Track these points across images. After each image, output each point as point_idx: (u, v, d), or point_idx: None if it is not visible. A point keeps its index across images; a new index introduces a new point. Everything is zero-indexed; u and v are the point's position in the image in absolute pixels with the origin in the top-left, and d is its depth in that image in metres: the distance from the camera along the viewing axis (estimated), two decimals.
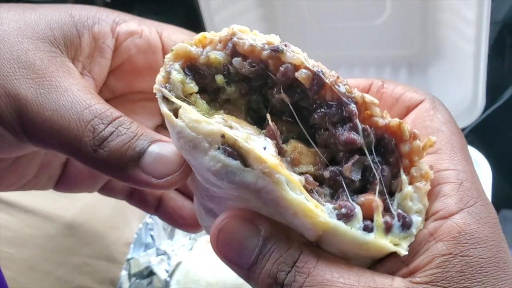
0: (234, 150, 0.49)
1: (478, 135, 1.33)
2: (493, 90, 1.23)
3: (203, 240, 1.20)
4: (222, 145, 0.49)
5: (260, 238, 0.51)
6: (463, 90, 1.19)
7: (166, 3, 1.45)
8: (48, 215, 1.12)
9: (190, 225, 0.78)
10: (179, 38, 0.71)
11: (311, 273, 0.49)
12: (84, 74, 0.68)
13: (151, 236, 1.19)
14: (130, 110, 0.76)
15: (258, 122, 0.56)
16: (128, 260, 1.13)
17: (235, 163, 0.49)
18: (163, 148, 0.58)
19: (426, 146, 0.52)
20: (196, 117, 0.50)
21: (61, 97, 0.59)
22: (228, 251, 0.52)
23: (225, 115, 0.53)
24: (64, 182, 0.78)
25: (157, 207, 0.78)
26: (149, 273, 1.15)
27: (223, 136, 0.49)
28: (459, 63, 1.19)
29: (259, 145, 0.50)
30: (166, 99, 0.53)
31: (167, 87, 0.53)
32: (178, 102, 0.52)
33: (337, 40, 1.29)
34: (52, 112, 0.58)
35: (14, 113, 0.59)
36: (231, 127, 0.51)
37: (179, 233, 1.22)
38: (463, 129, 1.26)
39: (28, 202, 1.13)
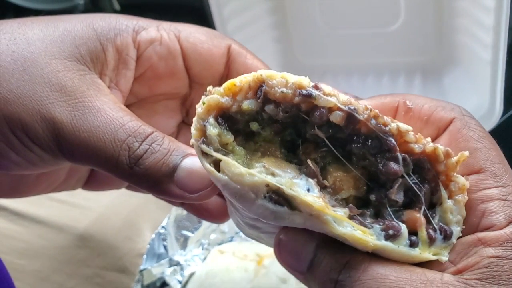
0: (280, 197, 0.51)
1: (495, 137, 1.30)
2: (510, 97, 1.20)
3: (216, 251, 1.19)
4: (267, 193, 0.51)
5: (314, 243, 0.54)
6: (480, 97, 1.17)
7: (177, 11, 1.44)
8: (59, 226, 1.12)
9: (216, 217, 0.80)
10: (197, 40, 0.73)
11: (365, 268, 0.52)
12: (112, 87, 0.69)
13: (164, 246, 1.17)
14: (153, 110, 0.79)
15: (292, 150, 0.57)
16: (141, 271, 1.12)
17: (283, 209, 0.51)
18: (194, 163, 0.60)
19: (459, 161, 0.55)
20: (239, 171, 0.51)
21: (95, 118, 0.61)
22: (287, 258, 0.56)
23: (264, 161, 0.54)
24: (92, 183, 0.82)
25: None
26: (162, 284, 1.14)
27: (267, 185, 0.51)
28: (476, 70, 1.18)
29: (302, 188, 0.52)
30: (204, 153, 0.54)
31: (204, 141, 0.54)
32: (218, 156, 0.53)
33: (350, 47, 1.28)
34: (88, 134, 0.60)
35: (51, 136, 0.61)
36: (273, 174, 0.52)
37: (192, 243, 1.21)
38: None
39: (40, 213, 1.13)
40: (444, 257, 0.53)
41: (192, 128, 0.55)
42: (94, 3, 1.46)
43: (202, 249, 1.21)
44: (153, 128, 0.63)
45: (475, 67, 1.17)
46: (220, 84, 0.55)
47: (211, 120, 0.54)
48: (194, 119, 0.55)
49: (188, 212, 0.83)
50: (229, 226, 1.25)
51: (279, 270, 1.11)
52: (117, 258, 1.13)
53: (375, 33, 1.26)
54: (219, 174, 0.52)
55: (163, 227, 1.17)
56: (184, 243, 1.21)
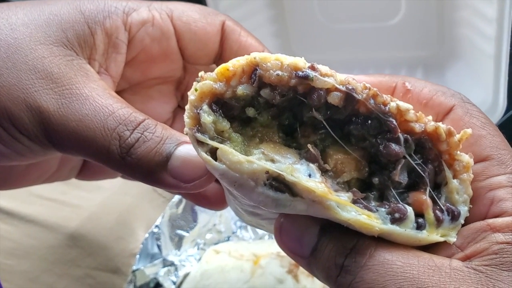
0: (281, 183, 0.50)
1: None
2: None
3: (211, 250, 1.16)
4: (267, 180, 0.50)
5: (318, 227, 0.53)
6: (483, 92, 1.15)
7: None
8: (50, 225, 1.10)
9: (215, 204, 0.79)
10: (190, 18, 0.70)
11: (372, 254, 0.51)
12: (101, 73, 0.67)
13: (158, 246, 1.15)
14: (147, 95, 0.77)
15: (290, 133, 0.56)
16: (133, 271, 1.10)
17: (284, 196, 0.50)
18: (189, 151, 0.59)
19: (462, 139, 0.53)
20: (237, 159, 0.50)
21: (83, 106, 0.59)
22: (290, 242, 0.55)
23: (262, 147, 0.53)
24: (86, 172, 0.80)
25: None
26: (156, 285, 1.11)
27: (267, 172, 0.50)
28: (479, 64, 1.15)
29: (303, 173, 0.51)
30: (199, 141, 0.52)
31: (199, 130, 0.52)
32: (214, 144, 0.52)
33: (350, 41, 1.25)
34: (76, 123, 0.58)
35: (39, 126, 0.58)
36: (272, 160, 0.51)
37: (187, 243, 1.19)
38: None
39: (30, 212, 1.11)
40: (452, 238, 0.53)
41: (185, 117, 0.53)
42: None
43: (198, 249, 1.19)
44: (145, 115, 0.61)
45: (478, 61, 1.15)
46: (216, 64, 0.53)
47: (205, 107, 0.52)
48: (187, 107, 0.53)
49: (185, 199, 0.81)
50: (225, 225, 1.22)
51: (276, 270, 1.08)
52: (109, 258, 1.10)
53: (375, 27, 1.24)
54: (216, 163, 0.51)
55: (156, 226, 1.15)
56: (178, 242, 1.19)
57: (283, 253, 0.58)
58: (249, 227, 1.22)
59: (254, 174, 0.50)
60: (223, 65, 0.53)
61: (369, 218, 0.50)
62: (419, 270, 0.49)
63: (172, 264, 1.15)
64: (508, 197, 0.53)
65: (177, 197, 1.18)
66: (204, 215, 1.20)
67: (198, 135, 0.52)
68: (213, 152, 0.52)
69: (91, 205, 1.14)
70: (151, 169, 0.58)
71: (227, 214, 1.21)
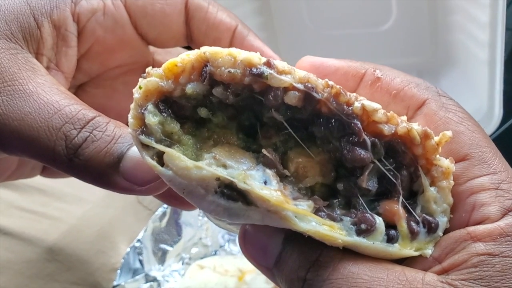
0: (233, 191, 0.46)
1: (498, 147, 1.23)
2: (510, 99, 1.13)
3: (196, 265, 1.13)
4: (219, 187, 0.46)
5: (282, 236, 0.50)
6: (478, 100, 1.11)
7: None
8: (28, 238, 1.07)
9: (186, 204, 0.72)
10: (146, 2, 0.65)
11: (335, 266, 0.47)
12: (51, 68, 0.63)
13: (140, 261, 1.12)
14: (112, 89, 0.72)
15: (251, 134, 0.52)
16: (114, 287, 1.07)
17: (236, 205, 0.46)
18: None
19: (441, 142, 0.48)
20: (184, 164, 0.46)
21: (26, 104, 0.54)
22: (254, 251, 0.51)
23: (215, 150, 0.49)
24: (50, 169, 0.75)
25: None
26: None
27: (218, 179, 0.46)
28: (473, 70, 1.12)
29: (258, 180, 0.47)
30: (145, 145, 0.48)
31: (144, 131, 0.48)
32: (160, 147, 0.47)
33: (340, 48, 1.22)
34: (18, 122, 0.54)
35: None
36: (224, 166, 0.47)
37: (170, 258, 1.15)
38: None
39: (7, 224, 1.08)
40: (428, 251, 0.48)
41: (129, 117, 0.48)
42: None
43: (183, 263, 1.16)
44: (97, 112, 0.56)
45: (472, 67, 1.11)
46: (191, 47, 0.48)
47: (150, 107, 0.48)
48: (132, 106, 0.48)
49: (159, 200, 0.75)
50: (212, 239, 1.19)
51: (261, 286, 1.05)
52: (88, 273, 1.07)
53: (366, 33, 1.21)
54: (162, 169, 0.47)
55: (138, 240, 1.12)
56: (162, 257, 1.16)
57: None
58: (237, 241, 1.19)
59: (204, 181, 0.46)
60: (170, 61, 0.49)
61: (331, 229, 0.46)
62: (387, 285, 0.45)
63: (155, 279, 1.12)
64: (491, 201, 0.47)
65: (160, 210, 1.15)
66: (189, 229, 1.17)
67: (142, 137, 0.47)
68: (161, 156, 0.47)
69: (72, 218, 1.10)
70: (101, 172, 0.54)
71: (214, 228, 1.18)
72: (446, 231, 0.49)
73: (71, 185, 1.14)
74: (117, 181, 0.54)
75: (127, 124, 0.57)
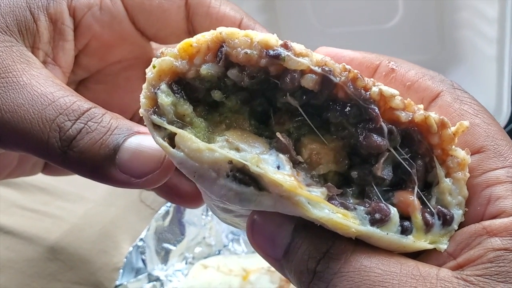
0: (245, 175, 0.45)
1: None
2: None
3: (199, 265, 1.11)
4: (231, 171, 0.45)
5: (292, 226, 0.48)
6: (486, 97, 1.10)
7: None
8: (29, 237, 1.06)
9: (189, 202, 0.73)
10: None
11: (347, 259, 0.45)
12: (48, 63, 0.62)
13: (143, 260, 1.11)
14: (113, 84, 0.71)
15: (262, 120, 0.51)
16: (116, 286, 1.05)
17: (249, 190, 0.45)
18: (141, 142, 0.53)
19: (458, 132, 0.47)
20: (196, 146, 0.45)
21: (19, 95, 0.53)
22: (262, 241, 0.50)
23: (228, 134, 0.48)
24: (51, 166, 0.74)
25: None
26: None
27: (230, 162, 0.44)
28: (481, 67, 1.11)
29: (271, 165, 0.46)
30: (157, 125, 0.47)
31: (156, 111, 0.47)
32: (172, 129, 0.46)
33: (345, 46, 1.19)
34: (11, 115, 0.52)
35: None
36: (237, 149, 0.46)
37: (174, 257, 1.14)
38: None
39: (9, 223, 1.07)
40: (443, 245, 0.47)
41: (141, 96, 0.47)
42: None
43: (186, 263, 1.14)
44: (92, 103, 0.55)
45: (480, 64, 1.10)
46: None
47: (163, 86, 0.47)
48: (144, 86, 0.47)
49: (160, 197, 0.75)
50: (216, 238, 1.17)
51: (265, 286, 1.03)
52: (90, 272, 1.06)
53: (371, 31, 1.20)
54: (173, 150, 0.46)
55: (141, 239, 1.10)
56: (165, 256, 1.14)
57: (273, 268, 0.53)
58: (241, 240, 1.18)
59: (216, 163, 0.44)
60: (186, 40, 0.48)
61: (344, 218, 0.45)
62: (401, 280, 0.43)
63: (157, 279, 1.10)
64: (508, 194, 0.46)
65: (163, 209, 1.14)
66: (193, 228, 1.16)
67: (154, 117, 0.46)
68: (172, 138, 0.46)
69: (74, 217, 1.09)
70: (96, 164, 0.52)
71: (218, 227, 1.17)
72: (461, 225, 0.48)
73: (73, 183, 1.13)
74: (113, 174, 0.53)
75: (130, 119, 0.56)
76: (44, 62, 0.60)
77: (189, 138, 0.45)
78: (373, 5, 1.17)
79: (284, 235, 0.48)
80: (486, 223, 0.46)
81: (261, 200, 0.45)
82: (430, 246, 0.47)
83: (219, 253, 1.17)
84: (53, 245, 1.05)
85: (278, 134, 0.48)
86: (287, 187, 0.44)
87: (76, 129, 0.52)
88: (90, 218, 1.11)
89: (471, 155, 0.48)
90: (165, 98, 0.47)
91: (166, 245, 1.13)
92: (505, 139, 0.49)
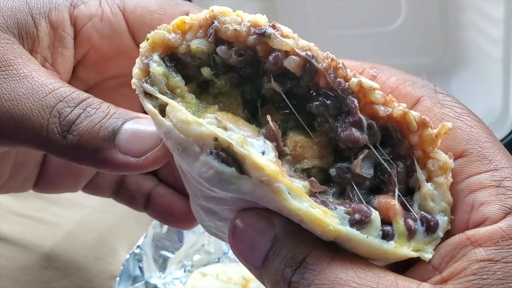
0: (229, 155, 0.45)
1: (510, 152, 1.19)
2: None
3: (198, 273, 1.09)
4: (215, 149, 0.45)
5: (273, 233, 0.47)
6: (492, 100, 1.09)
7: None
8: (24, 244, 1.04)
9: (182, 222, 0.74)
10: (145, 11, 0.65)
11: (322, 271, 0.44)
12: (47, 68, 0.62)
13: (140, 268, 1.09)
14: (110, 100, 0.71)
15: (254, 113, 0.52)
16: None
17: (230, 170, 0.44)
18: (139, 124, 0.54)
19: (440, 133, 0.46)
20: (184, 117, 0.45)
21: (20, 85, 0.55)
22: (242, 247, 0.49)
23: (218, 113, 0.49)
24: (43, 182, 0.74)
25: (145, 205, 0.75)
26: None
27: (216, 139, 0.44)
28: (486, 69, 1.10)
29: (257, 149, 0.46)
30: (148, 94, 0.48)
31: (148, 81, 0.49)
32: (163, 98, 0.48)
33: (347, 48, 1.20)
34: (11, 102, 0.54)
35: None
36: (225, 128, 0.47)
37: (171, 265, 1.12)
38: None
39: (4, 230, 1.05)
40: (428, 254, 0.45)
41: (134, 68, 0.49)
42: None
43: (184, 271, 1.12)
44: (89, 94, 0.56)
45: (485, 66, 1.09)
46: None
47: (155, 57, 0.49)
48: (137, 59, 0.49)
49: (152, 217, 0.76)
50: (215, 246, 1.15)
51: None
52: (86, 280, 1.04)
53: (374, 33, 1.19)
54: (162, 119, 0.46)
55: (138, 246, 1.08)
56: (163, 264, 1.12)
57: None
58: None
59: (201, 138, 0.44)
60: (180, 17, 0.50)
61: (324, 214, 0.44)
62: None
63: (155, 287, 1.08)
64: (491, 199, 0.44)
65: None
66: (191, 235, 1.14)
67: (146, 85, 0.48)
68: (162, 111, 0.47)
69: (69, 223, 1.08)
70: (96, 146, 0.53)
71: None
72: (448, 234, 0.46)
73: None
74: (113, 155, 0.54)
75: None
76: (43, 66, 0.61)
77: (179, 109, 0.46)
78: (375, 7, 1.16)
79: (263, 242, 0.47)
80: (470, 232, 0.45)
81: (240, 184, 0.44)
82: (414, 254, 0.45)
83: (218, 261, 1.15)
84: (48, 252, 1.03)
85: (268, 118, 0.48)
86: (268, 172, 0.43)
87: (75, 114, 0.54)
88: (86, 225, 1.09)
89: (454, 159, 0.47)
90: (157, 67, 0.48)
91: (164, 252, 1.11)
92: (490, 141, 0.47)
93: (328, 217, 0.44)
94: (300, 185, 0.45)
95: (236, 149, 0.44)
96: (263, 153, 0.45)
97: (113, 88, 0.71)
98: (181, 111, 0.46)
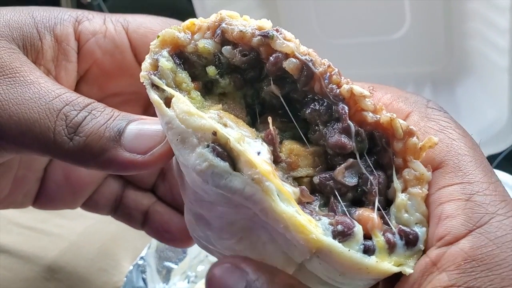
0: (225, 151, 0.46)
1: None
2: None
3: (202, 284, 1.08)
4: (212, 143, 0.46)
5: (245, 281, 0.47)
6: (497, 110, 1.08)
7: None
8: (26, 256, 1.03)
9: (179, 240, 0.75)
10: (148, 31, 0.67)
11: None
12: None
13: (143, 279, 1.07)
14: None
15: (254, 122, 0.54)
16: None
17: (223, 165, 0.45)
18: (143, 124, 0.56)
19: (425, 146, 0.46)
20: (187, 108, 0.47)
21: (27, 90, 0.56)
22: None
23: (221, 111, 0.51)
24: (42, 199, 0.74)
25: (143, 222, 0.76)
26: None
27: (214, 133, 0.46)
28: (492, 78, 1.09)
29: (253, 148, 0.47)
30: (155, 87, 0.51)
31: (156, 75, 0.51)
32: (170, 90, 0.50)
33: (351, 57, 1.19)
34: (18, 107, 0.55)
35: None
36: (225, 125, 0.48)
37: (175, 276, 1.10)
38: (496, 156, 1.12)
39: (6, 242, 1.04)
40: (409, 269, 0.44)
41: (143, 63, 0.52)
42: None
43: (188, 282, 1.11)
44: (93, 100, 0.58)
45: (490, 75, 1.08)
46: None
47: (164, 52, 0.52)
48: (147, 56, 0.52)
49: (150, 235, 0.76)
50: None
51: None
52: None
53: (378, 41, 1.19)
54: (165, 108, 0.49)
55: (142, 258, 1.07)
56: (166, 275, 1.11)
57: None
58: None
59: (200, 130, 0.46)
60: (190, 20, 0.53)
61: (308, 222, 0.44)
62: None
63: None
64: (457, 213, 0.43)
65: None
66: (195, 245, 1.12)
67: (154, 77, 0.50)
68: (167, 104, 0.49)
69: (72, 234, 1.06)
70: (102, 146, 0.55)
71: None
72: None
73: None
74: (119, 155, 0.55)
75: None
76: None
77: (184, 101, 0.48)
78: (379, 16, 1.15)
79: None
80: (434, 254, 0.44)
81: (231, 180, 0.45)
82: (395, 269, 0.44)
83: None
84: (50, 264, 1.02)
85: (269, 119, 0.49)
86: (261, 170, 0.44)
87: (81, 117, 0.55)
88: (89, 236, 1.08)
89: (432, 171, 0.47)
90: (166, 62, 0.51)
91: (167, 263, 1.10)
92: (470, 155, 0.46)
93: (313, 225, 0.44)
94: (290, 190, 0.46)
95: (233, 145, 0.45)
96: (258, 153, 0.47)
97: (114, 106, 0.71)
98: (185, 103, 0.48)
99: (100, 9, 1.44)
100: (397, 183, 0.47)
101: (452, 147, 0.47)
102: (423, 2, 1.12)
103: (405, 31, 1.17)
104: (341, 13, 1.17)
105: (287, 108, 0.51)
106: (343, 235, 0.44)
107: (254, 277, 0.47)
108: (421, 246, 0.46)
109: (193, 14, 1.26)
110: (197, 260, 1.13)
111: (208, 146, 0.46)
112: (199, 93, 0.52)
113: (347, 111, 0.47)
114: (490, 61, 1.08)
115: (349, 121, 0.47)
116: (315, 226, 0.44)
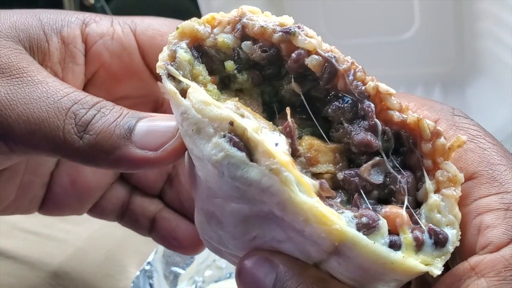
0: (242, 141, 0.45)
1: None
2: None
3: None
4: (229, 133, 0.45)
5: (275, 275, 0.48)
6: (508, 111, 1.07)
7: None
8: (32, 262, 1.02)
9: (187, 247, 0.75)
10: (156, 33, 0.66)
11: None
12: None
13: (150, 285, 1.06)
14: None
15: (271, 118, 0.53)
16: None
17: (240, 155, 0.44)
18: (154, 121, 0.55)
19: (454, 146, 0.46)
20: (204, 98, 0.47)
21: (35, 90, 0.56)
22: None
23: (239, 102, 0.50)
24: (49, 204, 0.74)
25: (150, 229, 0.76)
26: None
27: (231, 123, 0.45)
28: (503, 79, 1.08)
29: (271, 140, 0.46)
30: (172, 78, 0.50)
31: (173, 66, 0.51)
32: (186, 81, 0.49)
33: (360, 58, 1.15)
34: (27, 106, 0.55)
35: None
36: (242, 116, 0.47)
37: (183, 281, 1.10)
38: None
39: (11, 247, 1.03)
40: (437, 270, 0.44)
41: (160, 55, 0.51)
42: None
43: (196, 287, 1.10)
44: (102, 98, 0.58)
45: (502, 75, 1.08)
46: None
47: (183, 44, 0.51)
48: (164, 47, 0.52)
49: (157, 242, 0.77)
50: (226, 261, 1.13)
51: None
52: None
53: (387, 42, 1.18)
54: (181, 98, 0.48)
55: (148, 263, 1.06)
56: (174, 281, 1.10)
57: None
58: None
59: (217, 119, 0.45)
60: (210, 14, 0.52)
61: (331, 213, 0.43)
62: None
63: None
64: (498, 223, 0.43)
65: None
66: None
67: (171, 68, 0.50)
68: (183, 95, 0.49)
69: (78, 239, 1.06)
70: (113, 144, 0.54)
71: None
72: (458, 259, 0.45)
73: None
74: (130, 152, 0.54)
75: None
76: None
77: (200, 91, 0.48)
78: (388, 16, 1.15)
79: (268, 284, 0.48)
80: (473, 260, 0.44)
81: (248, 171, 0.44)
82: (423, 267, 0.43)
83: (230, 276, 1.12)
84: (56, 270, 1.01)
85: (287, 110, 0.48)
86: (279, 160, 0.43)
87: (91, 115, 0.55)
88: (95, 241, 1.07)
89: (464, 182, 0.46)
90: (184, 53, 0.50)
91: (174, 268, 1.08)
92: (503, 164, 0.47)
93: (335, 215, 0.43)
94: (310, 182, 0.45)
95: (250, 135, 0.44)
96: (276, 144, 0.46)
97: None
98: (201, 93, 0.47)
99: (103, 11, 1.43)
100: (429, 184, 0.46)
101: (484, 157, 0.47)
102: (433, 2, 1.12)
103: (414, 32, 1.16)
104: (349, 13, 1.17)
105: (307, 106, 0.50)
106: (367, 228, 0.43)
107: (284, 270, 0.48)
108: (449, 247, 0.45)
109: (196, 15, 1.25)
110: (205, 265, 1.12)
111: (224, 136, 0.45)
112: (215, 87, 0.51)
113: (373, 109, 0.47)
114: (501, 61, 1.08)
115: (376, 120, 0.47)
116: (338, 218, 0.43)
